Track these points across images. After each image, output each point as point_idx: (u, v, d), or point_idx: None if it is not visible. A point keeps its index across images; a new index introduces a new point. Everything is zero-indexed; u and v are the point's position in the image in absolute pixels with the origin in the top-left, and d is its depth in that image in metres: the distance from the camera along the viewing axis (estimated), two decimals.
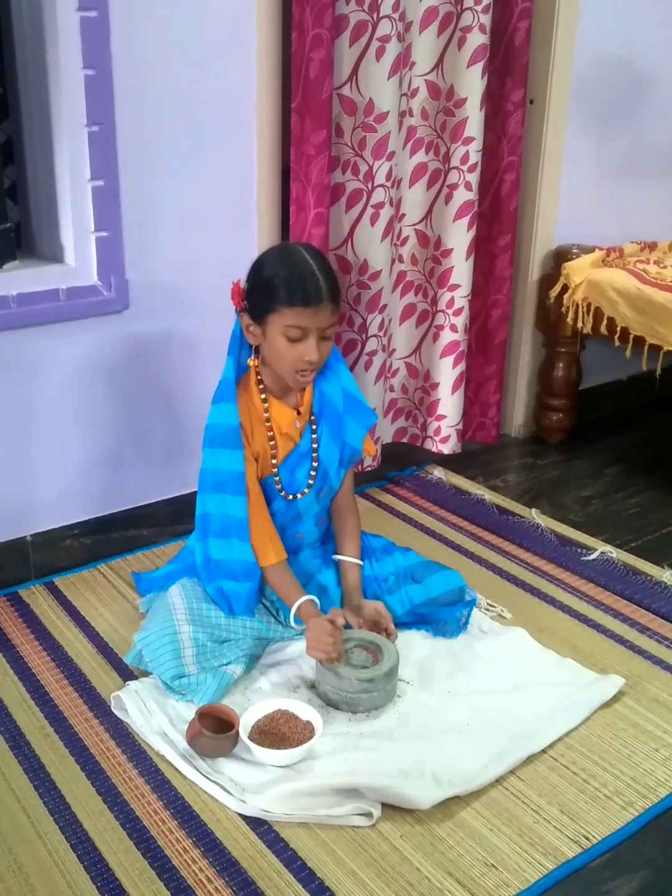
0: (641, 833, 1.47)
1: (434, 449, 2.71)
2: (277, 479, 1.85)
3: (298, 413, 1.86)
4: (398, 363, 2.69)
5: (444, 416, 2.67)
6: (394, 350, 2.65)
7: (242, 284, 1.77)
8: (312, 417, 1.88)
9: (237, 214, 2.23)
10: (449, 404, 2.66)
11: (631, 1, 2.78)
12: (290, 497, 1.87)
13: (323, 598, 1.88)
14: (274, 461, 1.84)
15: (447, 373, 2.63)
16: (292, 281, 1.68)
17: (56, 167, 1.98)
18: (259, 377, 1.83)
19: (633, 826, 1.48)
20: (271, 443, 1.83)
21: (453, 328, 2.59)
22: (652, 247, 2.91)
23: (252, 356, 1.82)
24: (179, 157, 2.09)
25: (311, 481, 1.88)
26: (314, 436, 1.87)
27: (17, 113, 2.05)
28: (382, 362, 2.53)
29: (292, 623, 1.79)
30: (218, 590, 1.84)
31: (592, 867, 1.41)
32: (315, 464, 1.87)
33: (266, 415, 1.83)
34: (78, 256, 2.01)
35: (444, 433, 2.68)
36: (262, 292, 1.71)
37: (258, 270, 1.74)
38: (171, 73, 2.03)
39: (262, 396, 1.82)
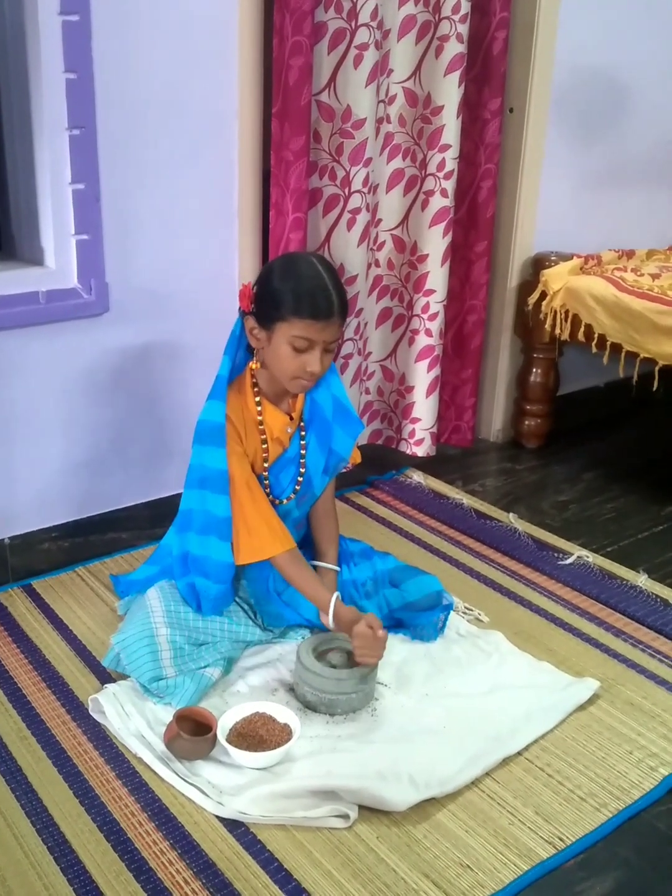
0: (615, 834, 1.49)
1: (408, 451, 2.73)
2: (267, 481, 1.86)
3: (291, 419, 1.87)
4: (374, 366, 2.71)
5: (419, 420, 2.69)
6: (369, 353, 2.67)
7: (252, 287, 1.77)
8: (302, 424, 1.89)
9: (218, 219, 2.24)
10: (423, 407, 2.68)
11: (610, 12, 2.82)
12: (277, 502, 1.88)
13: (301, 604, 1.89)
14: (265, 464, 1.85)
15: (422, 376, 2.66)
16: (305, 293, 1.68)
17: (37, 170, 1.98)
18: (254, 380, 1.83)
19: (607, 827, 1.49)
20: (263, 446, 1.84)
21: (428, 333, 2.61)
22: (629, 255, 2.95)
23: (253, 359, 1.82)
24: (160, 161, 2.10)
25: (296, 487, 1.89)
26: (303, 442, 1.88)
27: None
28: (358, 365, 2.55)
29: (330, 624, 1.79)
30: (188, 586, 1.84)
31: (566, 868, 1.43)
32: (302, 470, 1.89)
33: (259, 418, 1.83)
34: (58, 259, 2.01)
35: (419, 436, 2.71)
36: (272, 300, 1.71)
37: (270, 277, 1.73)
38: (153, 78, 2.03)
39: (256, 400, 1.83)
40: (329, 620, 1.79)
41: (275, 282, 1.72)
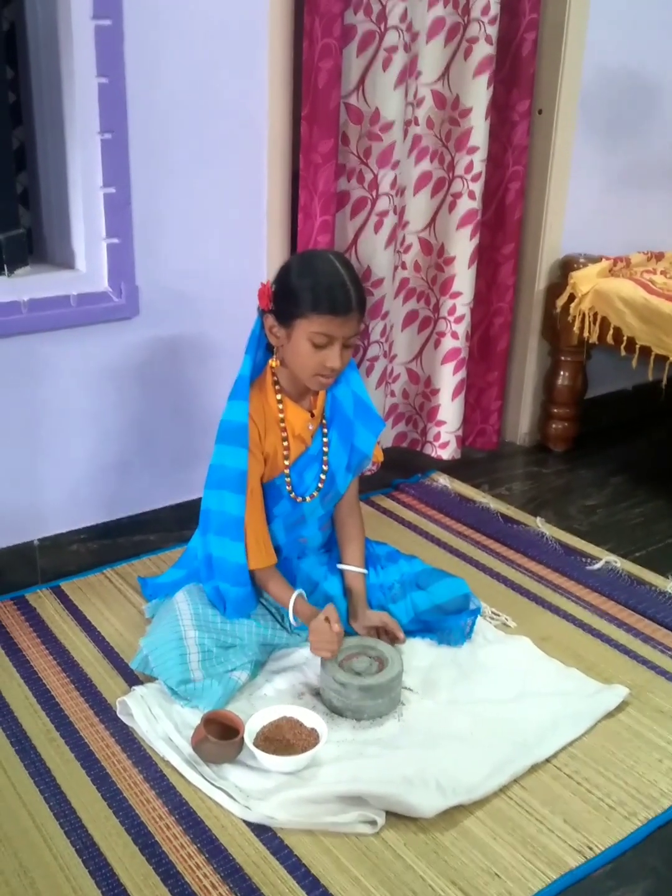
0: (645, 843, 1.48)
1: (433, 454, 2.72)
2: (288, 479, 1.86)
3: (312, 416, 1.87)
4: (399, 368, 2.70)
5: (444, 422, 2.68)
6: (395, 355, 2.67)
7: (270, 286, 1.77)
8: (324, 421, 1.89)
9: (247, 222, 2.24)
10: (449, 410, 2.67)
11: (639, 13, 2.80)
12: (300, 499, 1.88)
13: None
14: (286, 463, 1.85)
15: (448, 379, 2.65)
16: (323, 289, 1.69)
17: (68, 174, 2.00)
18: (275, 378, 1.84)
19: (636, 836, 1.48)
20: (284, 444, 1.85)
21: (454, 335, 2.61)
22: (659, 257, 2.92)
23: (272, 357, 1.83)
24: (190, 164, 2.11)
25: (319, 485, 1.89)
26: (325, 439, 1.89)
27: (31, 119, 2.07)
28: (384, 367, 2.55)
29: (292, 620, 1.81)
30: (215, 589, 1.85)
31: (595, 877, 1.42)
32: (325, 467, 1.89)
33: (281, 416, 1.84)
34: (89, 263, 2.03)
35: (444, 439, 2.70)
36: (291, 297, 1.72)
37: (288, 275, 1.74)
38: (184, 82, 2.04)
39: (278, 398, 1.83)
40: (289, 618, 1.81)
41: (293, 279, 1.72)
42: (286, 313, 1.73)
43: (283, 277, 1.76)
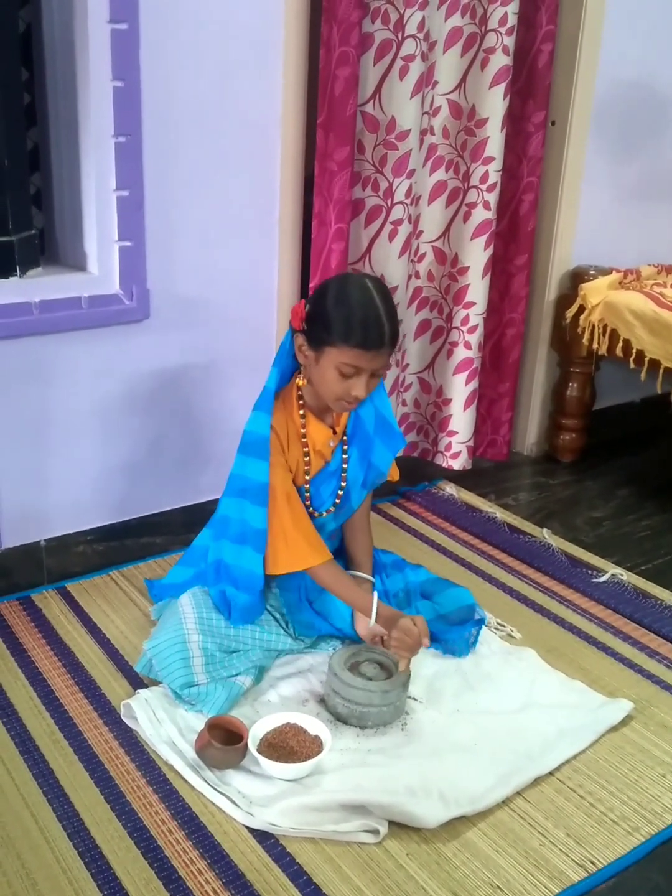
0: (647, 859, 1.47)
1: (444, 464, 2.72)
2: (307, 493, 1.86)
3: (334, 433, 1.87)
4: (411, 378, 2.70)
5: (456, 433, 2.68)
6: (407, 365, 2.66)
7: (305, 306, 1.74)
8: (345, 438, 1.89)
9: (259, 228, 2.24)
10: (460, 420, 2.67)
11: (653, 26, 2.80)
12: (316, 514, 1.88)
13: (332, 614, 1.89)
14: (307, 476, 1.85)
15: (460, 389, 2.65)
16: (358, 322, 1.65)
17: (82, 176, 2.00)
18: (300, 393, 1.83)
19: (639, 852, 1.48)
20: (306, 459, 1.84)
21: (467, 345, 2.61)
22: (669, 270, 2.93)
23: (299, 374, 1.82)
24: (204, 169, 2.11)
25: (336, 500, 1.89)
26: (344, 456, 1.88)
27: (45, 121, 2.07)
28: (396, 377, 2.55)
29: (372, 623, 1.78)
30: (221, 593, 1.85)
31: (598, 892, 1.41)
32: (343, 484, 1.88)
33: (303, 431, 1.83)
34: (101, 265, 2.03)
35: (455, 449, 2.70)
36: (325, 323, 1.68)
37: (324, 300, 1.70)
38: (199, 87, 2.04)
39: (301, 413, 1.83)
40: (372, 621, 1.77)
41: (328, 305, 1.69)
42: (317, 338, 1.71)
43: (318, 301, 1.72)
